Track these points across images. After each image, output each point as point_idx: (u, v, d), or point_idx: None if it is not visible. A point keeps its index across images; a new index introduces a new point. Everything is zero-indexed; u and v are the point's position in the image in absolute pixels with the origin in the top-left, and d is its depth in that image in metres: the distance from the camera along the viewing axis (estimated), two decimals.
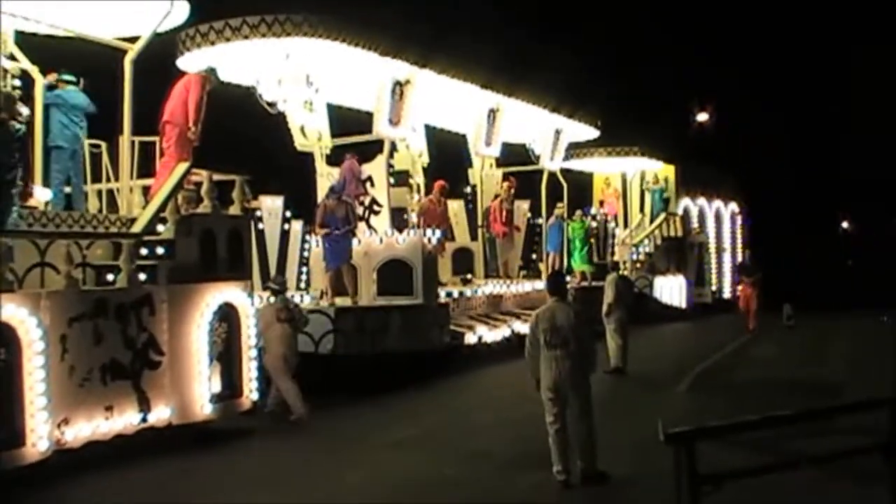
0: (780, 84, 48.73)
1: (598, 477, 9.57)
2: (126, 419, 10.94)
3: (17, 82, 11.85)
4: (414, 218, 19.85)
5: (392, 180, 19.30)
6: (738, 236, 38.79)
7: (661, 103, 40.15)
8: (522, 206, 25.21)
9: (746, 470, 7.46)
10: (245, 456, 11.65)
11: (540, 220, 25.91)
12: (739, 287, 26.16)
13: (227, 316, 12.46)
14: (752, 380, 17.22)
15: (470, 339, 18.98)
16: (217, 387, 12.22)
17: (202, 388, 11.92)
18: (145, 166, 13.33)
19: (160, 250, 11.98)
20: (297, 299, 16.79)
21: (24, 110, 11.24)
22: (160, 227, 12.16)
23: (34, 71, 12.58)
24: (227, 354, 12.46)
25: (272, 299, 13.81)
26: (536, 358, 9.63)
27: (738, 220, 39.18)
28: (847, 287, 36.88)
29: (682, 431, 6.56)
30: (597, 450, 9.61)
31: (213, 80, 13.72)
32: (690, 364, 18.79)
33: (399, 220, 18.98)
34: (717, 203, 37.44)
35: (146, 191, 13.15)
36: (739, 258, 36.21)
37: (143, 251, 11.88)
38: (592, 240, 27.26)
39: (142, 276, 11.63)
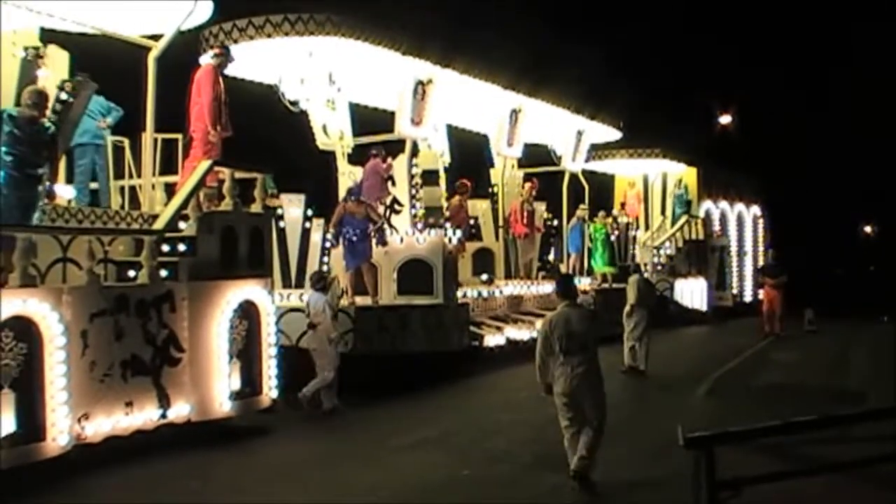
0: (802, 87, 48.53)
1: (588, 481, 9.29)
2: (146, 415, 10.96)
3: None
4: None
5: (420, 180, 19.31)
6: (760, 240, 38.62)
7: (684, 106, 40.02)
8: (539, 207, 25.17)
9: (766, 476, 7.41)
10: (263, 453, 11.64)
11: (555, 221, 25.87)
12: (762, 289, 25.41)
13: (247, 313, 12.46)
14: (773, 385, 17.11)
15: (490, 340, 18.94)
16: (236, 384, 12.22)
17: (221, 385, 11.92)
18: (168, 163, 13.39)
19: (181, 247, 11.98)
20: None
21: (58, 104, 11.35)
22: (182, 225, 12.18)
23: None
24: (246, 352, 12.45)
25: (305, 296, 14.08)
26: (548, 364, 9.42)
27: (761, 223, 39.01)
28: (869, 292, 36.62)
29: (702, 436, 6.53)
30: (595, 456, 9.35)
31: (224, 60, 13.54)
32: (710, 368, 18.71)
33: (435, 219, 18.98)
34: (739, 206, 37.28)
35: (168, 188, 13.19)
36: (762, 261, 35.96)
37: (165, 248, 11.86)
38: (613, 241, 27.16)
39: (163, 273, 11.62)
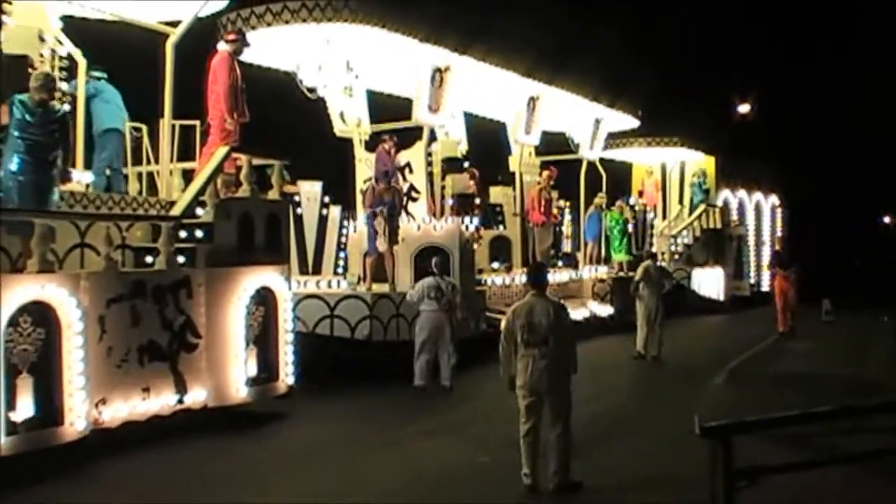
0: (822, 75, 48.19)
1: (571, 487, 9.07)
2: (162, 400, 11.02)
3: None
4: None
5: (440, 168, 19.39)
6: (778, 229, 38.45)
7: (703, 93, 39.81)
8: (553, 194, 25.11)
9: (783, 466, 7.39)
10: (281, 439, 11.70)
11: (566, 210, 25.84)
12: (774, 281, 24.48)
13: (264, 300, 12.49)
14: (790, 374, 17.05)
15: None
16: (253, 370, 12.26)
17: (238, 371, 11.97)
18: (185, 150, 13.43)
19: (199, 233, 12.06)
20: (333, 284, 17.01)
21: (65, 86, 11.37)
22: (199, 211, 12.24)
23: (77, 54, 12.67)
24: (263, 338, 12.49)
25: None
26: (510, 355, 9.09)
27: (779, 212, 38.83)
28: (888, 283, 36.40)
29: (718, 425, 6.51)
30: (570, 458, 9.09)
31: (239, 46, 13.49)
32: (727, 357, 18.68)
33: (465, 206, 19.05)
34: (758, 195, 37.12)
35: (186, 174, 13.22)
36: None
37: (182, 234, 11.94)
38: (630, 229, 27.11)
39: (180, 259, 11.67)
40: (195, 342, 11.55)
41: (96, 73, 13.07)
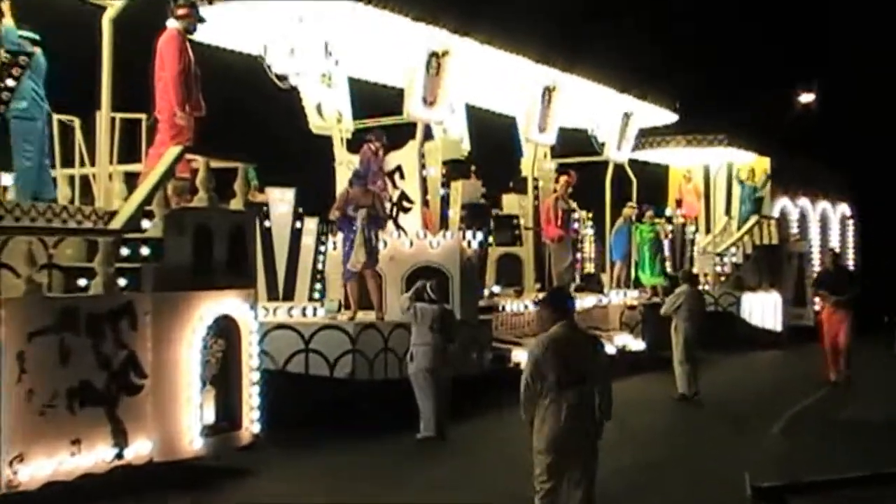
0: None
1: None
2: (97, 455, 10.82)
3: None
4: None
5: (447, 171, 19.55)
6: (850, 245, 38.36)
7: (755, 81, 39.75)
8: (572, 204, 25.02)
9: None
10: (238, 501, 11.56)
11: (587, 221, 25.82)
12: (822, 310, 22.87)
13: (224, 331, 12.42)
14: (862, 423, 16.94)
15: (518, 356, 18.74)
16: (210, 417, 12.16)
17: (192, 418, 11.83)
18: (128, 149, 13.30)
19: (145, 251, 11.88)
20: (309, 312, 16.91)
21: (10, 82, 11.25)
22: (145, 223, 12.08)
23: None
24: (223, 378, 12.41)
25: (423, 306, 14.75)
26: (534, 398, 8.87)
27: (850, 225, 38.75)
28: None
29: (774, 486, 6.41)
30: None
31: (191, 23, 13.32)
32: (785, 400, 18.63)
33: (477, 218, 19.43)
34: (823, 204, 37.10)
35: (129, 178, 13.11)
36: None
37: (124, 251, 11.77)
38: (666, 245, 27.02)
39: (121, 282, 11.51)
40: (139, 383, 11.36)
41: (27, 35, 12.79)
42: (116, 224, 11.82)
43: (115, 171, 13.14)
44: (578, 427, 8.81)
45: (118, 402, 11.08)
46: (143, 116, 13.37)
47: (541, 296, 19.27)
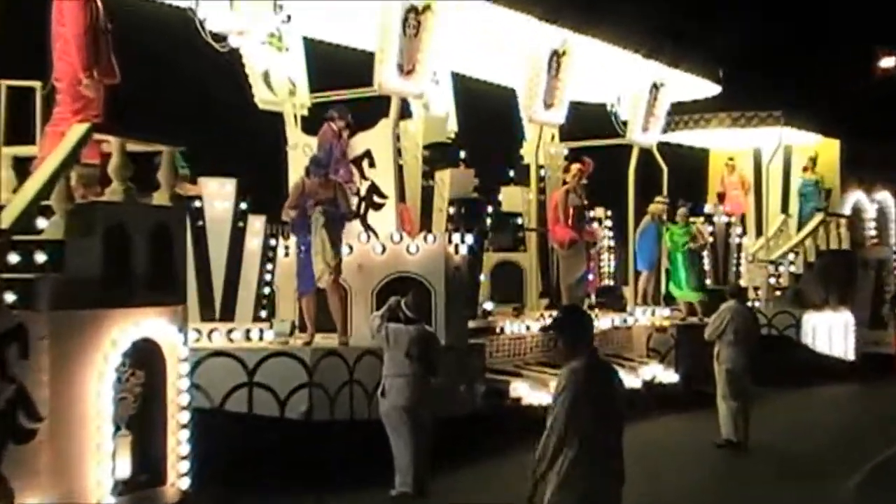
0: None
1: None
2: None
3: None
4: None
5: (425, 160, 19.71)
6: None
7: (820, 42, 39.72)
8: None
9: None
10: None
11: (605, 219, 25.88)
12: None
13: (144, 360, 12.31)
14: None
15: (518, 390, 18.87)
16: (125, 469, 12.02)
17: (101, 470, 11.67)
18: (20, 127, 13.19)
19: (40, 257, 11.71)
20: (254, 335, 16.79)
21: None
22: (42, 222, 12.00)
23: None
24: (143, 419, 12.30)
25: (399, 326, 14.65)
26: (560, 451, 8.60)
27: None
28: None
29: None
30: None
31: None
32: (863, 448, 18.54)
33: (471, 216, 19.67)
34: None
35: (20, 164, 12.98)
36: None
37: (14, 258, 11.57)
38: (704, 252, 26.99)
39: (9, 298, 11.29)
40: (31, 427, 11.13)
41: None
42: (4, 224, 11.64)
43: (3, 156, 13.07)
44: (613, 488, 8.74)
45: (2, 451, 10.83)
46: (37, 84, 13.24)
47: (550, 317, 19.23)
